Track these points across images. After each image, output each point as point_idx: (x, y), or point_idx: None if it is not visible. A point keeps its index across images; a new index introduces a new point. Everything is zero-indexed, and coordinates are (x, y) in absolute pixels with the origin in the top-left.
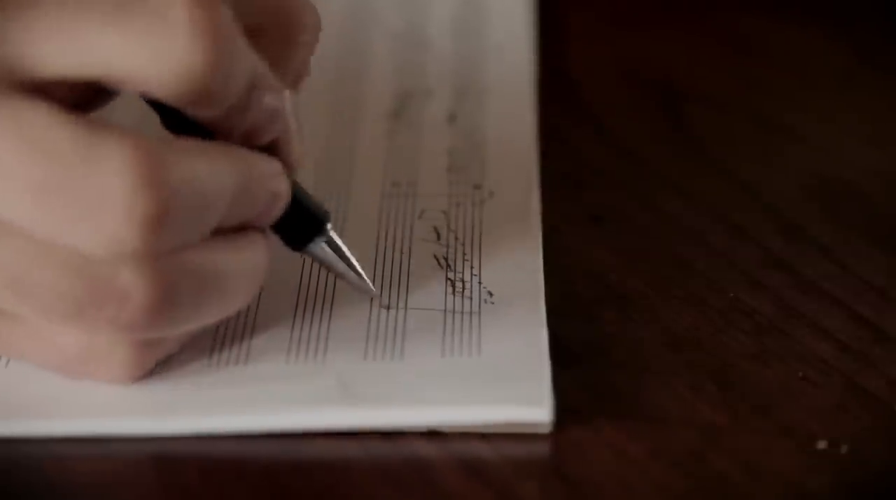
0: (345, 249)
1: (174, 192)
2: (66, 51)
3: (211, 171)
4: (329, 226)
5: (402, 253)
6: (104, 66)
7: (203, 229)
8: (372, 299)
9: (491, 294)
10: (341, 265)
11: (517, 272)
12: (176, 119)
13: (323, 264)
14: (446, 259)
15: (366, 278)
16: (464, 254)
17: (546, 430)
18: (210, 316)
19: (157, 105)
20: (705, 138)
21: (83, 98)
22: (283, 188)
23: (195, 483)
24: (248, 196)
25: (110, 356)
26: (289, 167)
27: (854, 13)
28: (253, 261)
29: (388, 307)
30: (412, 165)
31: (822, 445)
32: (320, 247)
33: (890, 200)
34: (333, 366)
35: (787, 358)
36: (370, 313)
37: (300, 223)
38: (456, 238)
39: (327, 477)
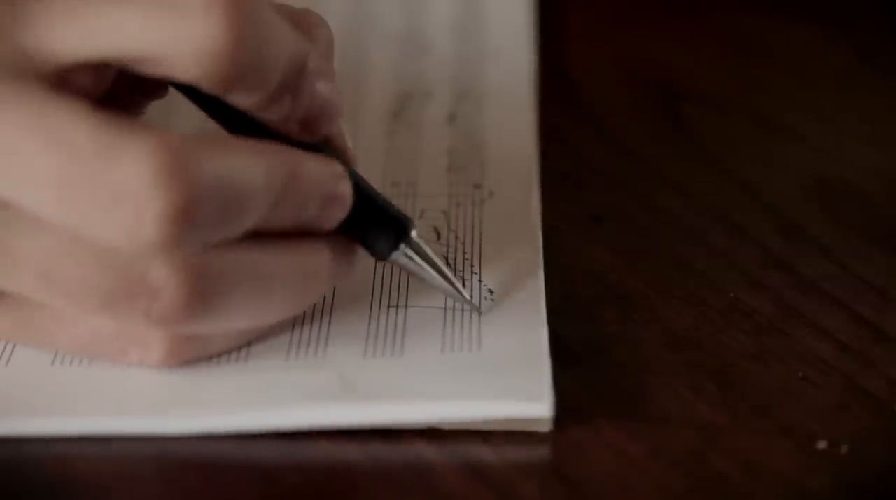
0: (433, 255)
1: (200, 188)
2: (81, 34)
3: (246, 167)
4: (414, 233)
5: None
6: (121, 49)
7: (237, 227)
8: (467, 306)
9: (491, 292)
10: (430, 273)
11: (517, 271)
12: (231, 119)
13: (411, 273)
14: (446, 258)
15: (457, 284)
16: (464, 253)
17: (546, 427)
18: (255, 317)
19: (210, 106)
20: (705, 138)
21: (120, 92)
22: (341, 191)
23: (197, 484)
24: (296, 196)
25: (144, 339)
26: (348, 162)
27: (854, 13)
28: (309, 266)
29: (391, 306)
30: (412, 165)
31: (822, 445)
32: (405, 254)
33: (890, 200)
34: (333, 363)
35: (787, 358)
36: (370, 313)
37: (381, 231)
38: (456, 238)
39: (328, 479)
